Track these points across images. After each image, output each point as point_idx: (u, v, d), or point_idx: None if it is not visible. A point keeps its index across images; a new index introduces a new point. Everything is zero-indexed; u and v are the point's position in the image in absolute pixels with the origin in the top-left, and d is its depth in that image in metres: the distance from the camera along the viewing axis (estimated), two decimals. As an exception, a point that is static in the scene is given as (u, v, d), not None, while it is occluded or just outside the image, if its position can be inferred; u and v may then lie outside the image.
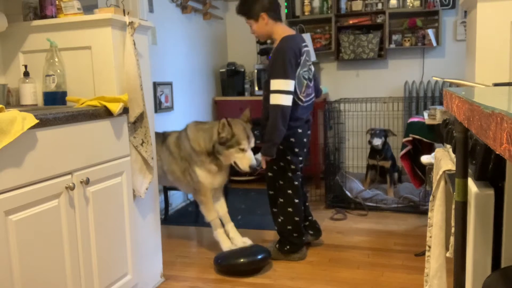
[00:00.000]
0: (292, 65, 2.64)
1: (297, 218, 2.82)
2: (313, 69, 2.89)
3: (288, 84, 2.61)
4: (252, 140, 2.74)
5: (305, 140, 2.83)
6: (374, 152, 4.10)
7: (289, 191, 2.81)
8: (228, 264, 2.65)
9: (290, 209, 2.81)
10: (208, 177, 2.78)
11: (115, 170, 2.06)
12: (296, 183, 2.82)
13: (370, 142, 4.02)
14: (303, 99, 2.77)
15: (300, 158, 2.83)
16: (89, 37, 2.11)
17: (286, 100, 2.61)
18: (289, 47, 2.65)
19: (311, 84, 2.85)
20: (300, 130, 2.77)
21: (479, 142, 1.16)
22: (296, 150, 2.77)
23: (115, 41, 2.11)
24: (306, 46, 2.79)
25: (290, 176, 2.80)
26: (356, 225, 3.45)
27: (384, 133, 4.03)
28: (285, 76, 2.61)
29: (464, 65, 2.90)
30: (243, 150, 2.68)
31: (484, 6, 2.05)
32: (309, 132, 2.87)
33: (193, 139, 2.77)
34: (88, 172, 1.88)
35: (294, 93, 2.68)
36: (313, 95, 2.88)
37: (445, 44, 4.64)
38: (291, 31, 2.80)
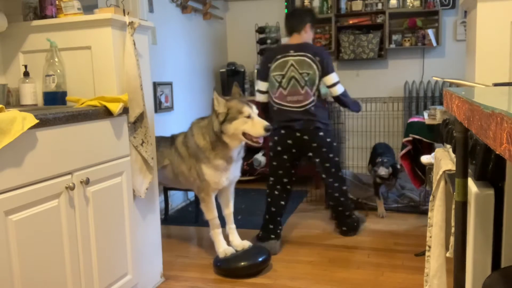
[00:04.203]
0: None
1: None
2: None
3: None
4: (254, 107, 2.60)
5: None
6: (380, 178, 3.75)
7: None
8: (228, 268, 2.64)
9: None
10: (215, 176, 2.65)
11: (115, 170, 2.06)
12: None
13: (375, 171, 3.59)
14: None
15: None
16: (89, 37, 2.11)
17: None
18: None
19: None
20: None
21: (479, 142, 1.16)
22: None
23: (115, 41, 2.11)
24: None
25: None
26: (356, 225, 3.44)
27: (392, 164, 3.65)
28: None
29: (464, 65, 2.90)
30: (249, 117, 2.54)
31: (484, 6, 2.05)
32: None
33: (196, 135, 2.68)
34: (88, 172, 1.87)
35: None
36: None
37: (445, 44, 4.64)
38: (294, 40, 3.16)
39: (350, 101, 3.17)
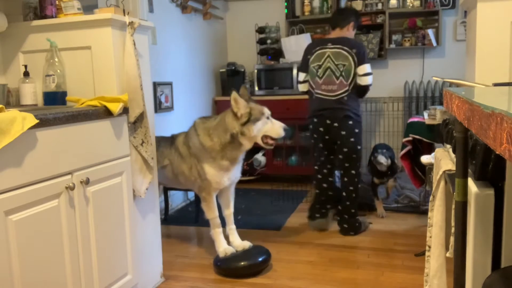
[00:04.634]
0: None
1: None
2: None
3: None
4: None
5: None
6: (380, 173, 3.70)
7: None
8: (228, 268, 2.64)
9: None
10: (218, 175, 2.66)
11: (115, 170, 2.06)
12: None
13: (375, 157, 3.58)
14: None
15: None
16: (89, 37, 2.11)
17: None
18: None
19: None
20: None
21: (479, 142, 1.16)
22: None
23: (115, 41, 2.11)
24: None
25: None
26: (356, 225, 3.44)
27: (391, 154, 3.63)
28: None
29: (464, 65, 2.90)
30: (268, 118, 2.64)
31: (484, 6, 2.05)
32: None
33: (202, 135, 2.67)
34: (88, 172, 1.88)
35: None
36: None
37: (445, 44, 4.64)
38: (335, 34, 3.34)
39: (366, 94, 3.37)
